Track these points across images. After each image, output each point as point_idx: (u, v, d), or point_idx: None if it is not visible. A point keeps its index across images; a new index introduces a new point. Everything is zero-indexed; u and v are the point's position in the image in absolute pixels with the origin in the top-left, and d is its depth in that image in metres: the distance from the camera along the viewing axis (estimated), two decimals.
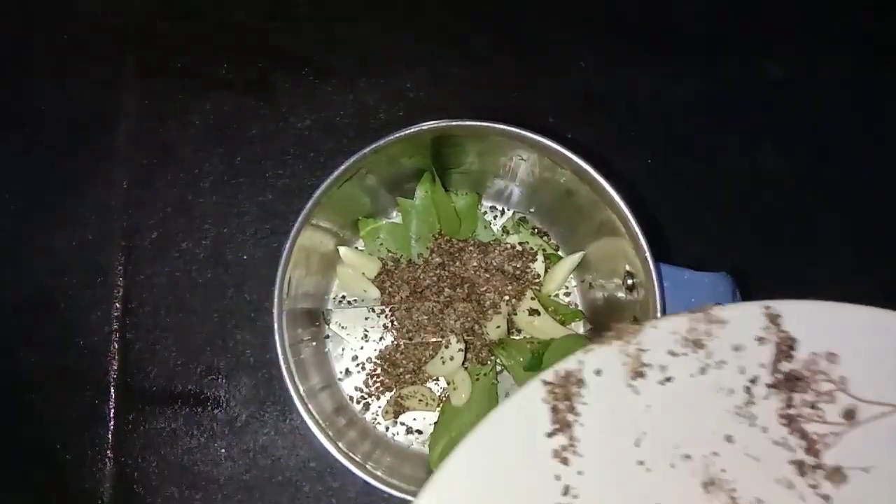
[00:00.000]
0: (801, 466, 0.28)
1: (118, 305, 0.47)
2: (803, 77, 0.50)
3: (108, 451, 0.46)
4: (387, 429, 0.44)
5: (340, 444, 0.37)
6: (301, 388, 0.37)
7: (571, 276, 0.45)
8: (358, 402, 0.44)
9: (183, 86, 0.49)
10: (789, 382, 0.29)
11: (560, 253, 0.46)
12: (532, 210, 0.46)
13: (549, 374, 0.29)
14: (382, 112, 0.49)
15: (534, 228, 0.46)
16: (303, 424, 0.37)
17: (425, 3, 0.51)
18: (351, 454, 0.37)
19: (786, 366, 0.29)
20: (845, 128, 0.50)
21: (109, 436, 0.46)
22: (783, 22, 0.51)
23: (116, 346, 0.47)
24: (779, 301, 0.29)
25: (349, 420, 0.42)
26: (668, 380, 0.29)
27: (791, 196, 0.49)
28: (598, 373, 0.29)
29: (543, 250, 0.45)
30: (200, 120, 0.49)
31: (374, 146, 0.37)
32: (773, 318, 0.29)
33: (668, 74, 0.50)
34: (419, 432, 0.44)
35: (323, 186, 0.38)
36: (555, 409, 0.29)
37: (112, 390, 0.46)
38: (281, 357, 0.37)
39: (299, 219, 0.37)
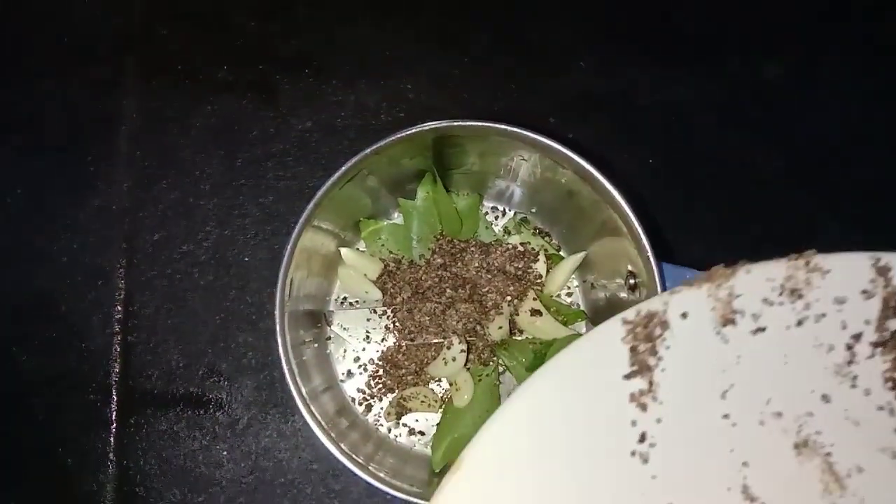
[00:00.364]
0: None
1: (119, 308, 0.47)
2: (803, 77, 0.50)
3: (110, 454, 0.46)
4: (389, 430, 0.44)
5: (343, 446, 0.37)
6: (303, 390, 0.37)
7: (573, 276, 0.45)
8: (360, 404, 0.44)
9: (183, 88, 0.49)
10: None
11: (562, 253, 0.46)
12: (533, 210, 0.46)
13: (630, 313, 0.27)
14: (383, 113, 0.49)
15: (535, 229, 0.46)
16: (305, 426, 0.37)
17: (425, 3, 0.51)
18: (353, 456, 0.37)
19: (894, 324, 0.26)
20: (845, 128, 0.50)
21: (111, 438, 0.46)
22: (783, 22, 0.51)
23: (118, 348, 0.47)
24: (889, 253, 0.27)
25: (351, 422, 0.42)
26: (761, 330, 0.27)
27: (791, 196, 0.49)
28: (683, 316, 0.27)
29: (545, 250, 0.45)
30: (201, 122, 0.49)
31: (375, 147, 0.37)
32: (883, 271, 0.27)
33: (668, 74, 0.50)
34: (422, 433, 0.44)
35: (324, 188, 0.38)
36: (634, 350, 0.27)
37: (114, 393, 0.46)
38: (283, 359, 0.37)
39: (300, 220, 0.37)
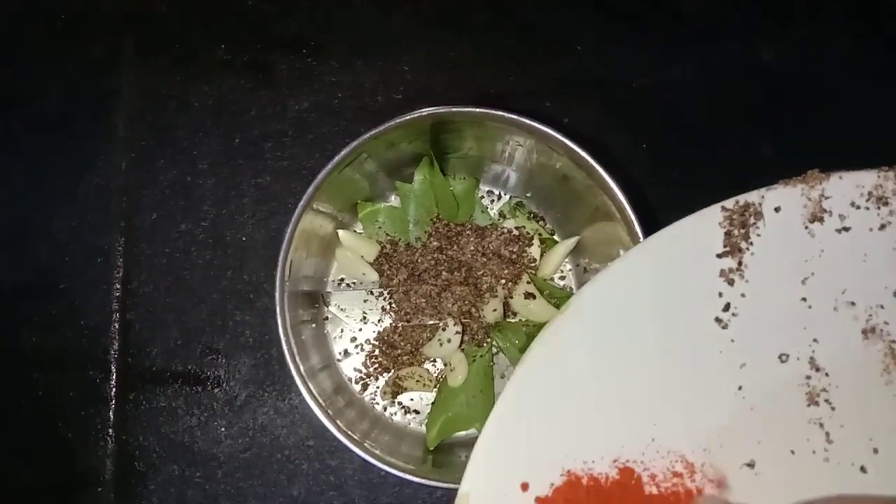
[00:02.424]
0: None
1: (118, 286, 0.47)
2: (802, 60, 0.50)
3: (110, 430, 0.46)
4: (385, 409, 0.45)
5: (339, 423, 0.38)
6: (302, 368, 0.38)
7: (566, 260, 0.46)
8: (356, 383, 0.45)
9: (181, 67, 0.49)
10: None
11: (556, 237, 0.46)
12: (529, 195, 0.46)
13: (728, 202, 0.31)
14: (380, 94, 0.49)
15: (530, 213, 0.46)
16: (302, 404, 0.37)
17: None
18: (350, 433, 0.38)
19: None
20: (844, 112, 0.49)
21: (111, 415, 0.46)
22: (781, 4, 0.51)
23: (117, 326, 0.47)
24: None
25: (348, 400, 0.43)
26: (846, 229, 0.30)
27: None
28: (777, 210, 0.30)
29: (539, 234, 0.45)
30: (199, 101, 0.49)
31: (374, 132, 0.38)
32: None
33: (665, 58, 0.50)
34: (416, 412, 0.45)
35: (324, 171, 0.38)
36: (728, 234, 0.31)
37: (113, 369, 0.47)
38: (283, 338, 0.38)
39: (301, 203, 0.38)
